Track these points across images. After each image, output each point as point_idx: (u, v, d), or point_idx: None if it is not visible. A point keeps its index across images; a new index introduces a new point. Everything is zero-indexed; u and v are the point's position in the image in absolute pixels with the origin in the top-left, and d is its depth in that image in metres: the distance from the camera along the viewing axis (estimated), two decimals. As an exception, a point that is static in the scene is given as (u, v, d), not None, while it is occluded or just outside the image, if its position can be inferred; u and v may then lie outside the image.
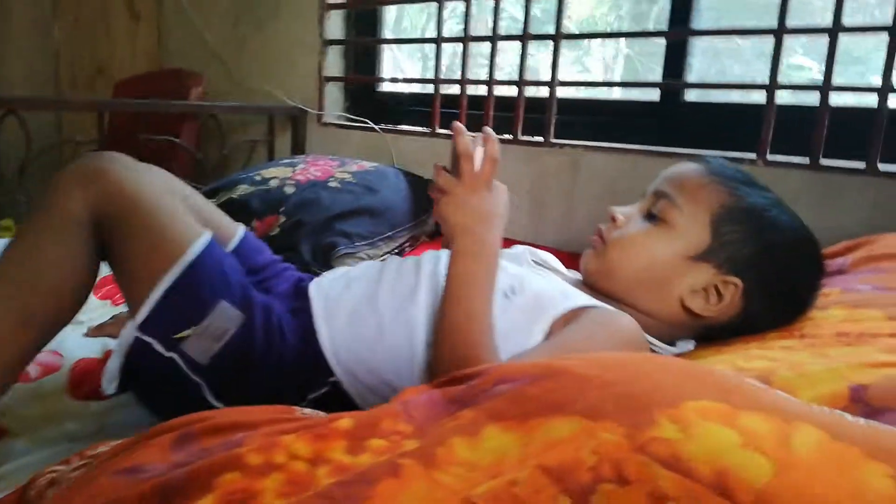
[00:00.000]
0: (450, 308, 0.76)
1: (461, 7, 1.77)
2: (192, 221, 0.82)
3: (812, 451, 0.41)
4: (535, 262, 0.98)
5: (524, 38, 1.62)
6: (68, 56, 3.19)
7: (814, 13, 1.44)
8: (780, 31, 1.27)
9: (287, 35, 2.19)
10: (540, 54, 1.81)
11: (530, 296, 0.85)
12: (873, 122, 1.19)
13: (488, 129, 0.84)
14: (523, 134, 1.67)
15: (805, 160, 1.27)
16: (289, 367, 0.82)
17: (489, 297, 0.78)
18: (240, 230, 0.98)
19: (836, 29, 1.20)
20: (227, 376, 0.80)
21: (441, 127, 1.85)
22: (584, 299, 0.85)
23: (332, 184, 1.69)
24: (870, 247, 1.07)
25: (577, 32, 1.59)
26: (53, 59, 3.21)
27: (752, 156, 1.33)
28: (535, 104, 1.64)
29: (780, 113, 1.30)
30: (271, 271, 0.96)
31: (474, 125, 1.78)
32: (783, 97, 1.32)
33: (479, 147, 0.83)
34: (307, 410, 0.62)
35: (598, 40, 1.92)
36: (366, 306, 0.86)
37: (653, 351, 0.89)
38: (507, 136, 1.68)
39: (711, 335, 0.91)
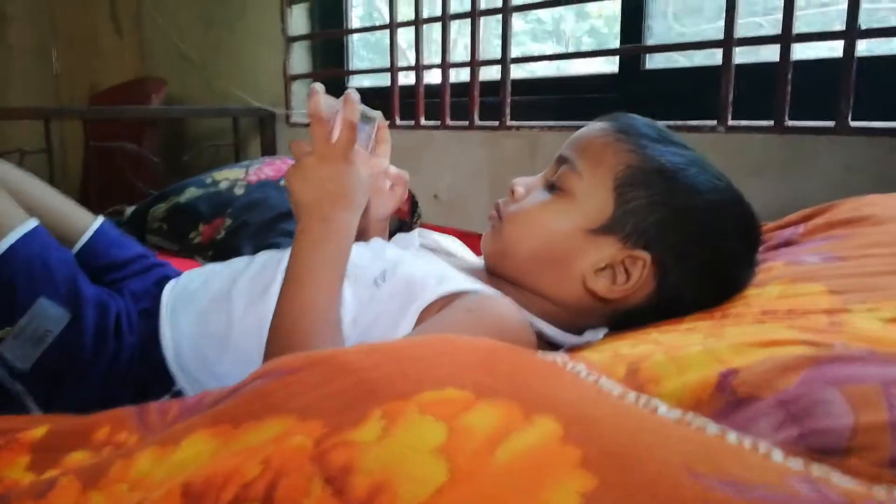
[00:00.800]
0: (282, 299, 0.66)
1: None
2: (13, 211, 0.73)
3: (520, 454, 0.29)
4: (428, 247, 0.87)
5: (473, 14, 1.51)
6: (67, 78, 3.23)
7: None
8: (732, -21, 1.13)
9: (252, 34, 2.13)
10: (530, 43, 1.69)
11: (401, 282, 0.73)
12: (841, 72, 1.04)
13: (350, 91, 0.73)
14: (483, 119, 1.56)
15: (770, 123, 1.12)
16: (123, 375, 0.73)
17: (332, 287, 0.67)
18: (94, 223, 0.89)
19: (792, -31, 1.06)
20: (53, 384, 0.71)
21: (402, 118, 1.75)
22: (461, 284, 0.73)
23: (284, 182, 1.60)
24: (830, 213, 0.92)
25: (525, 3, 1.46)
26: (53, 82, 3.26)
27: (714, 122, 1.18)
28: (493, 87, 1.52)
29: (744, 75, 1.16)
30: (135, 267, 0.87)
31: (434, 114, 1.69)
32: (745, 56, 1.18)
33: (340, 111, 0.72)
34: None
35: (570, 18, 1.79)
36: (217, 304, 0.76)
37: (549, 343, 0.77)
38: (464, 122, 1.57)
39: (628, 320, 0.77)
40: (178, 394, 0.73)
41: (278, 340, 0.64)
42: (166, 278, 0.86)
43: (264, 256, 0.82)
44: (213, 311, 0.75)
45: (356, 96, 0.72)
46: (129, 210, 1.67)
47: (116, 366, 0.73)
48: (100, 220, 0.90)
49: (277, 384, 0.42)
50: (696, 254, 0.73)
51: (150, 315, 0.78)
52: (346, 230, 0.70)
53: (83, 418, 0.45)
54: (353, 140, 0.72)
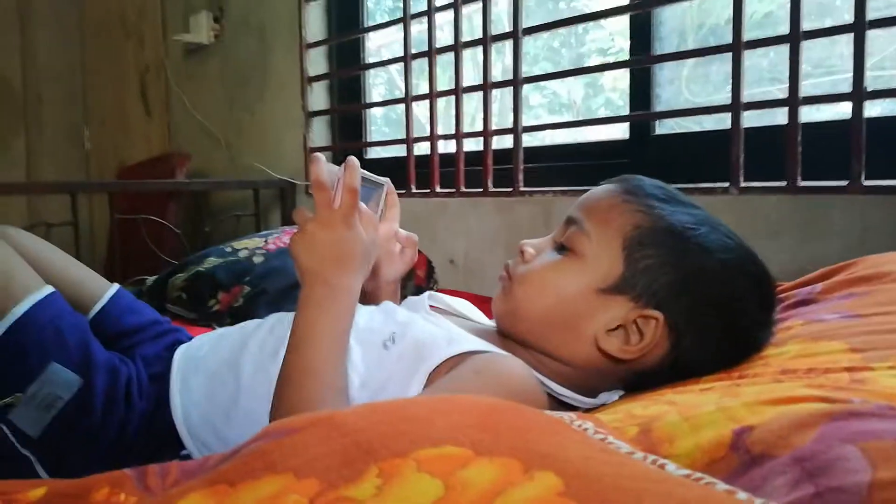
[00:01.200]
0: (286, 363, 0.66)
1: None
2: (30, 278, 0.75)
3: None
4: (438, 309, 0.86)
5: (485, 87, 1.55)
6: (96, 156, 3.36)
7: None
8: (736, 46, 1.15)
9: (274, 111, 2.21)
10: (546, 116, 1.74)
11: (410, 344, 0.73)
12: (850, 132, 1.04)
13: (350, 158, 0.75)
14: (497, 186, 1.58)
15: (782, 184, 1.12)
16: (132, 440, 0.72)
17: (335, 350, 0.67)
18: (110, 290, 0.90)
19: (795, 35, 1.08)
20: (62, 449, 0.71)
21: (417, 187, 1.78)
22: (471, 344, 0.72)
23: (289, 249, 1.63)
24: (849, 270, 0.90)
25: (535, 74, 1.51)
26: (84, 159, 3.39)
27: (726, 184, 1.19)
28: (507, 155, 1.55)
29: (754, 138, 1.17)
30: (148, 333, 0.88)
31: (449, 182, 1.72)
32: (754, 120, 1.19)
33: (341, 178, 0.73)
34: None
35: (586, 93, 1.83)
36: (227, 366, 0.76)
37: (563, 405, 0.75)
38: (478, 189, 1.59)
39: (643, 382, 0.76)
40: (187, 458, 0.72)
41: (282, 405, 0.63)
42: (178, 342, 0.86)
43: (273, 319, 0.82)
44: (222, 375, 0.75)
45: (356, 162, 0.74)
46: (150, 280, 1.69)
47: (126, 431, 0.73)
48: (115, 287, 0.92)
49: (276, 444, 0.41)
50: (710, 314, 0.72)
51: (161, 379, 0.78)
52: (349, 294, 0.71)
53: (82, 480, 0.45)
54: (355, 205, 0.73)
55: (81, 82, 3.38)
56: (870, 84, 1.04)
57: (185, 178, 2.24)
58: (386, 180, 0.82)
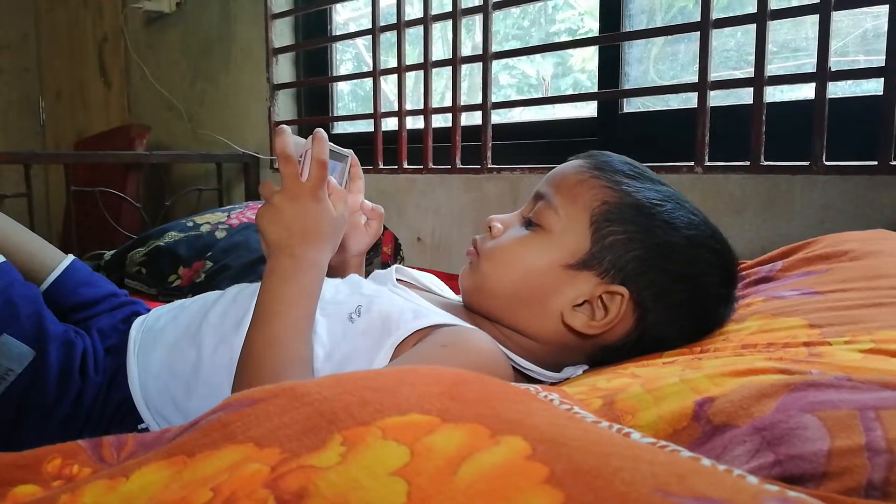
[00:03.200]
0: (250, 334, 0.64)
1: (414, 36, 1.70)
2: None
3: (484, 472, 0.28)
4: (405, 283, 0.86)
5: (455, 62, 1.54)
6: (52, 129, 3.25)
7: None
8: (704, 25, 1.15)
9: (238, 83, 2.16)
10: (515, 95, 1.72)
11: (376, 317, 0.72)
12: (813, 113, 1.06)
13: (318, 130, 0.73)
14: (465, 163, 1.57)
15: (746, 163, 1.14)
16: (89, 413, 0.71)
17: (301, 323, 0.66)
18: (64, 261, 0.87)
19: (762, 15, 1.09)
20: (14, 423, 0.68)
21: (385, 163, 1.76)
22: (437, 318, 0.72)
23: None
24: (808, 249, 0.92)
25: (505, 49, 1.50)
26: (40, 134, 3.28)
27: (691, 163, 1.20)
28: (476, 132, 1.54)
29: (720, 117, 1.18)
30: (104, 306, 0.85)
31: (416, 158, 1.70)
32: (720, 100, 1.20)
33: (309, 150, 0.72)
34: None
35: (555, 72, 1.83)
36: (187, 338, 0.74)
37: (528, 379, 0.76)
38: (446, 166, 1.58)
39: (608, 357, 0.76)
40: (146, 432, 0.71)
41: (245, 376, 0.62)
42: (135, 315, 0.84)
43: (235, 289, 0.80)
44: (182, 347, 0.73)
45: (324, 135, 0.72)
46: (109, 254, 1.65)
47: (81, 405, 0.71)
48: (69, 258, 0.88)
49: (237, 415, 0.40)
50: (675, 290, 0.73)
51: (118, 352, 0.76)
52: (315, 267, 0.70)
53: (32, 451, 0.43)
54: (323, 178, 0.71)
55: (36, 52, 3.26)
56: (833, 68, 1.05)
57: (144, 151, 2.18)
58: (350, 152, 0.80)
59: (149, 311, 0.86)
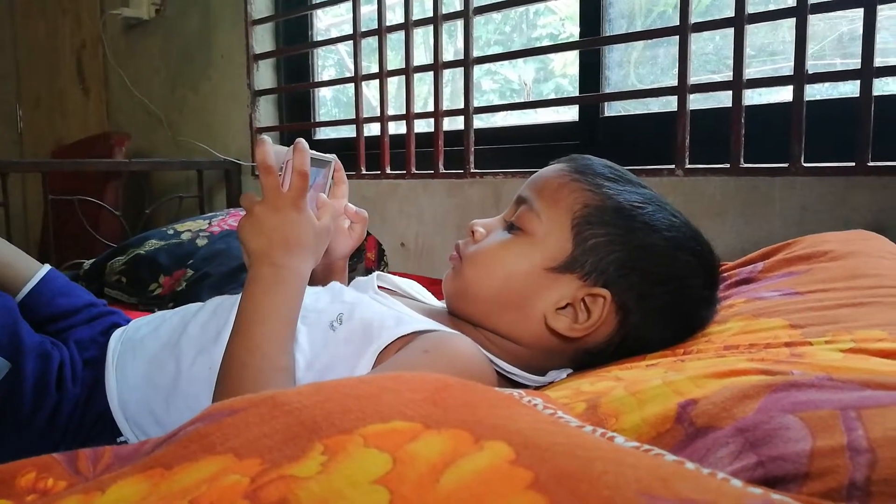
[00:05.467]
0: (231, 343, 0.64)
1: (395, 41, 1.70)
2: None
3: (468, 478, 0.28)
4: (386, 289, 0.85)
5: (436, 67, 1.54)
6: (30, 137, 3.21)
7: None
8: (683, 29, 1.16)
9: (219, 90, 2.15)
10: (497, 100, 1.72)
11: (358, 325, 0.72)
12: (791, 115, 1.07)
13: (299, 140, 0.73)
14: (448, 168, 1.57)
15: (726, 165, 1.15)
16: (66, 426, 0.69)
17: (282, 333, 0.65)
18: (40, 271, 0.86)
19: (740, 19, 1.10)
20: (-10, 438, 0.67)
21: (367, 169, 1.76)
22: (419, 324, 0.71)
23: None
24: (788, 250, 0.92)
25: (486, 55, 1.50)
26: (17, 143, 3.23)
27: (672, 166, 1.21)
28: (458, 136, 1.54)
29: (700, 120, 1.19)
30: (82, 316, 0.84)
31: (399, 164, 1.70)
32: (700, 104, 1.21)
33: (290, 160, 0.71)
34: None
35: (537, 77, 1.83)
36: (167, 350, 0.73)
37: (513, 383, 0.75)
38: (428, 171, 1.58)
39: (591, 360, 0.76)
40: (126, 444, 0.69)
41: (225, 385, 0.62)
42: (115, 326, 0.83)
43: (216, 302, 0.79)
44: (161, 359, 0.72)
45: (305, 145, 0.72)
46: (88, 263, 1.63)
47: (58, 418, 0.70)
48: (46, 268, 0.87)
49: (216, 426, 0.40)
50: (657, 292, 0.73)
51: (96, 364, 0.75)
52: (297, 276, 0.69)
53: (6, 465, 0.42)
54: (305, 189, 0.71)
55: (14, 59, 3.22)
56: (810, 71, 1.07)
57: (124, 159, 2.16)
58: (333, 157, 0.80)
59: (128, 321, 0.85)
